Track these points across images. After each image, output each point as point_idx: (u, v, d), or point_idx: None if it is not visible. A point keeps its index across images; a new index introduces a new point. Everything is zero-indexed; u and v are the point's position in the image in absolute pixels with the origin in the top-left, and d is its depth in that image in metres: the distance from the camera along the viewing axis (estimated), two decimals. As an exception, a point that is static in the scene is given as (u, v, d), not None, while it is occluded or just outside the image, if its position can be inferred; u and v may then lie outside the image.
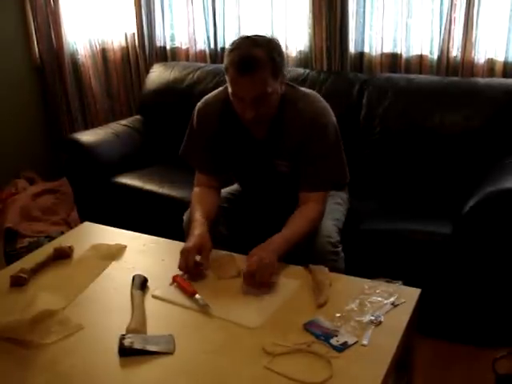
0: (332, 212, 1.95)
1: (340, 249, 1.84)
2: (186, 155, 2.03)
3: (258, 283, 1.54)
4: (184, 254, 1.62)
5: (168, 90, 3.10)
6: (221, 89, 1.94)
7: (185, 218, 1.97)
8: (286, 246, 1.66)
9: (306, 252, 1.77)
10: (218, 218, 1.90)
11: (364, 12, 2.78)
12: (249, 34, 1.77)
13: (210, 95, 1.97)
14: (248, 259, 1.58)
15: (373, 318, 1.40)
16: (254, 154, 1.91)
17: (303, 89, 1.90)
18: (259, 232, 1.82)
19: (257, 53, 1.66)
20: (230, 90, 1.74)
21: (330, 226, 1.87)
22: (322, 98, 1.88)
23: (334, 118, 1.85)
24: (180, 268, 1.62)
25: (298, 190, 1.85)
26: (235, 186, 2.16)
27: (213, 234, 1.74)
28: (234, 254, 1.73)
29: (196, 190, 1.95)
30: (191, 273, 1.62)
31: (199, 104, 1.98)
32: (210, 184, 1.95)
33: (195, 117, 1.96)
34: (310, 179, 1.82)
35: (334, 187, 1.95)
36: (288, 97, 1.81)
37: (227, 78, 1.73)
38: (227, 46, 3.12)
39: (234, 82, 1.70)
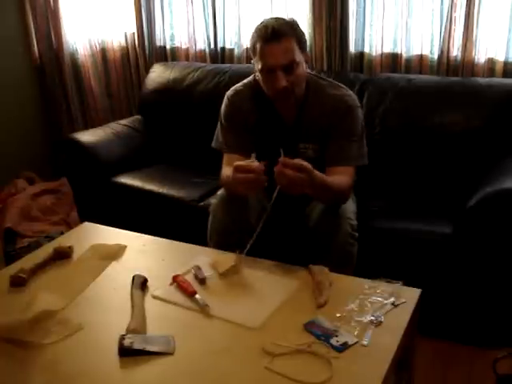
0: (350, 203, 1.98)
1: (356, 235, 1.87)
2: (219, 144, 2.05)
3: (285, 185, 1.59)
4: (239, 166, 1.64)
5: (168, 90, 3.10)
6: (248, 79, 2.03)
7: (213, 202, 1.98)
8: (319, 185, 1.68)
9: (328, 229, 1.81)
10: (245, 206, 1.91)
11: (364, 12, 2.78)
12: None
13: (237, 84, 2.06)
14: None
15: (373, 318, 1.39)
16: (282, 139, 1.95)
17: (330, 79, 2.02)
18: (280, 223, 1.82)
19: (281, 25, 1.80)
20: (259, 66, 1.83)
21: (351, 213, 1.92)
22: (348, 88, 1.99)
23: (359, 103, 1.97)
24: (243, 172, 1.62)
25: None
26: None
27: (240, 222, 1.77)
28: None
29: (227, 168, 1.92)
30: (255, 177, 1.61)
31: (229, 92, 2.05)
32: None
33: (226, 103, 2.03)
34: (337, 155, 1.89)
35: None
36: (316, 83, 1.95)
37: (255, 57, 1.84)
38: (227, 45, 3.18)
39: (264, 53, 1.80)
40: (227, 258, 1.68)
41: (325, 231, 1.82)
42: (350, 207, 1.95)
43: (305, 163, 1.62)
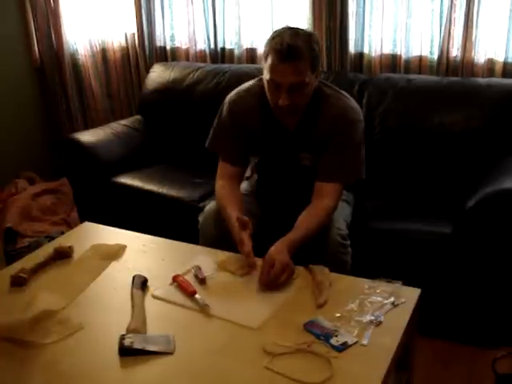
0: (341, 208, 1.97)
1: (348, 243, 1.87)
2: (213, 145, 2.05)
3: (277, 285, 1.56)
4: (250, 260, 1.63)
5: (168, 90, 3.10)
6: (252, 82, 1.99)
7: (201, 219, 1.99)
8: (299, 244, 1.70)
9: (316, 241, 1.79)
10: None
11: (364, 12, 2.78)
12: (290, 26, 1.82)
13: (241, 88, 2.01)
14: (267, 263, 1.57)
15: (373, 317, 1.40)
16: (282, 146, 1.94)
17: (334, 87, 1.97)
18: (275, 227, 1.83)
19: (299, 43, 1.72)
20: (267, 76, 1.78)
21: (340, 220, 1.91)
22: (352, 99, 1.95)
23: (362, 118, 1.92)
24: (263, 280, 1.57)
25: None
26: (245, 185, 2.15)
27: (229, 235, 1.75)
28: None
29: (221, 183, 1.95)
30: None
31: (231, 95, 2.01)
32: (233, 175, 1.97)
33: (226, 107, 1.99)
34: (328, 169, 1.87)
35: (348, 184, 2.00)
36: (320, 92, 1.88)
37: (266, 64, 1.77)
38: (227, 45, 3.18)
39: (274, 69, 1.74)
40: (238, 259, 1.68)
41: (313, 243, 1.79)
42: (341, 215, 1.94)
43: (280, 263, 1.57)
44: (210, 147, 2.06)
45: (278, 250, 1.63)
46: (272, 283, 1.55)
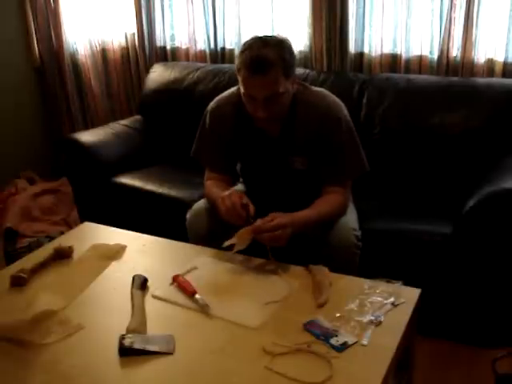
0: (352, 211, 1.99)
1: (360, 245, 1.86)
2: (197, 155, 2.05)
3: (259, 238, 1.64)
4: (226, 198, 1.67)
5: (168, 90, 3.10)
6: (232, 90, 1.96)
7: (188, 216, 1.98)
8: (305, 223, 1.74)
9: (331, 240, 1.80)
10: None
11: (364, 12, 2.78)
12: (260, 35, 1.78)
13: (221, 96, 1.99)
14: (268, 217, 1.66)
15: (373, 317, 1.40)
16: (269, 153, 1.93)
17: (313, 87, 1.95)
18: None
19: (268, 53, 1.68)
20: (242, 89, 1.77)
21: (355, 222, 1.92)
22: (332, 94, 1.92)
23: (346, 112, 1.90)
24: (228, 211, 1.66)
25: (312, 187, 1.88)
26: (239, 187, 2.15)
27: (216, 233, 1.76)
28: None
29: (208, 182, 1.98)
30: (240, 214, 1.67)
31: (211, 105, 1.99)
32: (220, 180, 1.98)
33: (208, 118, 1.98)
34: (331, 175, 1.87)
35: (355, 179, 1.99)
36: (299, 94, 1.85)
37: (239, 78, 1.76)
38: (227, 45, 3.18)
39: (246, 82, 1.73)
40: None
41: (331, 243, 1.80)
42: (352, 216, 1.95)
43: (278, 221, 1.64)
44: (195, 156, 2.07)
45: (282, 214, 1.68)
46: (261, 231, 1.63)
